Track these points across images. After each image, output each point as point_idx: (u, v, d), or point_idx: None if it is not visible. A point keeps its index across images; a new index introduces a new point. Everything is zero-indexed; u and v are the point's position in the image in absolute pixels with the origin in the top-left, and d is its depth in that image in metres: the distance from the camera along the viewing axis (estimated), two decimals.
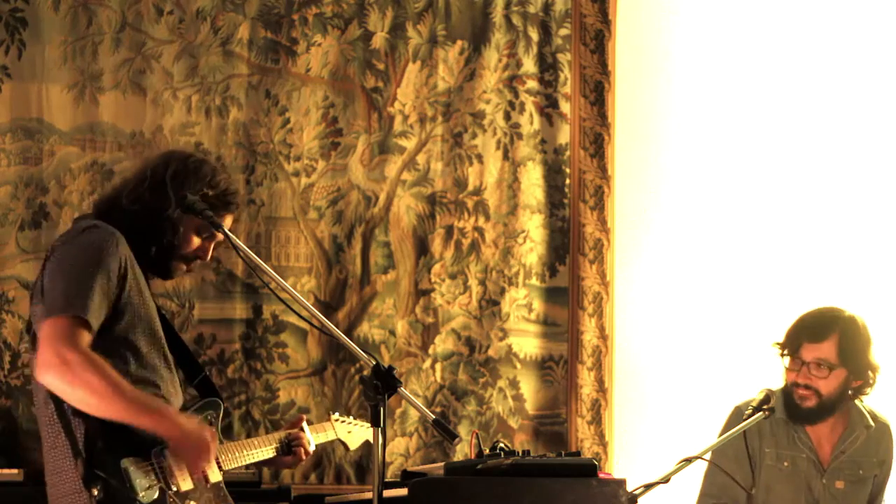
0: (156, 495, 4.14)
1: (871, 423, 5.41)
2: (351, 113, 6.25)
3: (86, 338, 4.13)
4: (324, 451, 6.10)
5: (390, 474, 5.85)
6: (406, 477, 4.81)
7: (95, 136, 6.05)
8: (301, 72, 6.22)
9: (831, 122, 6.55)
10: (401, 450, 6.20)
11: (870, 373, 5.34)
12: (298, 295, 4.34)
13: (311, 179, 6.21)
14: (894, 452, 5.48)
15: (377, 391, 4.09)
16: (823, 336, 5.29)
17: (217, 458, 4.36)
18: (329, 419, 4.99)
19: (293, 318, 6.06)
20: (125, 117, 6.07)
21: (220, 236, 4.47)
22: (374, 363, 4.12)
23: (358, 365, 6.13)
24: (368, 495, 4.19)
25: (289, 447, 4.70)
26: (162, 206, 4.38)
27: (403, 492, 4.49)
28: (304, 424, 4.78)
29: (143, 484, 4.12)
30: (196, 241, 4.46)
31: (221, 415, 4.48)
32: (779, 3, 6.56)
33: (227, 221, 4.50)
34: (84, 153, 6.04)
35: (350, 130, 6.25)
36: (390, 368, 4.12)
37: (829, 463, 5.39)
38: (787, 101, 6.54)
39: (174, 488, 4.19)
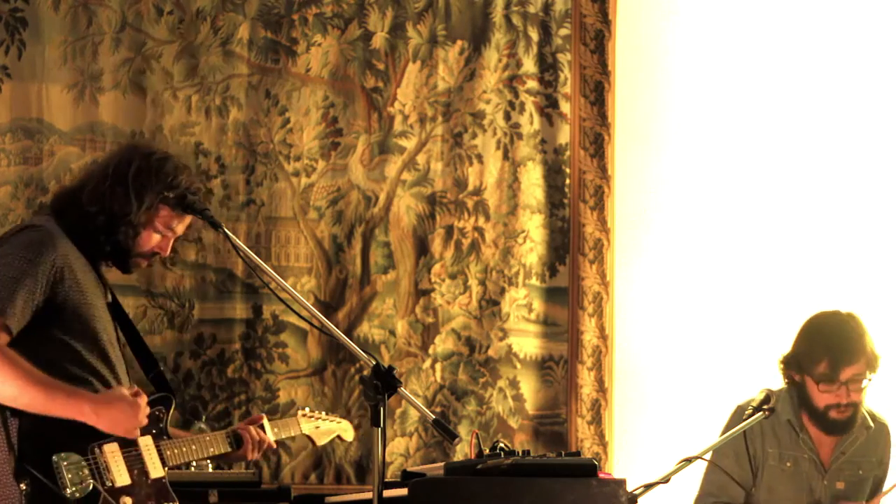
0: (87, 491, 4.14)
1: (871, 423, 5.43)
2: (351, 113, 6.25)
3: (2, 337, 4.13)
4: (324, 450, 6.10)
5: (390, 474, 5.85)
6: (406, 477, 4.80)
7: (95, 136, 6.05)
8: (301, 72, 6.21)
9: (831, 123, 6.55)
10: (401, 450, 6.20)
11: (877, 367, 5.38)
12: (298, 295, 4.34)
13: (311, 179, 6.21)
14: (892, 452, 5.49)
15: (377, 391, 4.10)
16: (860, 356, 5.31)
17: (161, 454, 4.35)
18: (296, 415, 4.98)
19: (293, 318, 6.06)
20: (125, 117, 6.07)
21: (181, 230, 4.46)
22: (374, 363, 4.13)
23: (358, 365, 6.13)
24: (368, 495, 4.18)
25: (240, 441, 4.66)
26: (123, 210, 4.36)
27: (403, 492, 4.49)
28: (265, 422, 4.75)
29: (75, 479, 4.13)
30: (155, 238, 4.44)
31: (172, 411, 4.44)
32: (779, 3, 6.56)
33: (187, 220, 4.48)
34: (84, 153, 6.03)
35: (350, 130, 6.25)
36: (390, 368, 4.13)
37: (830, 464, 5.39)
38: (786, 101, 6.54)
39: (109, 484, 4.19)
